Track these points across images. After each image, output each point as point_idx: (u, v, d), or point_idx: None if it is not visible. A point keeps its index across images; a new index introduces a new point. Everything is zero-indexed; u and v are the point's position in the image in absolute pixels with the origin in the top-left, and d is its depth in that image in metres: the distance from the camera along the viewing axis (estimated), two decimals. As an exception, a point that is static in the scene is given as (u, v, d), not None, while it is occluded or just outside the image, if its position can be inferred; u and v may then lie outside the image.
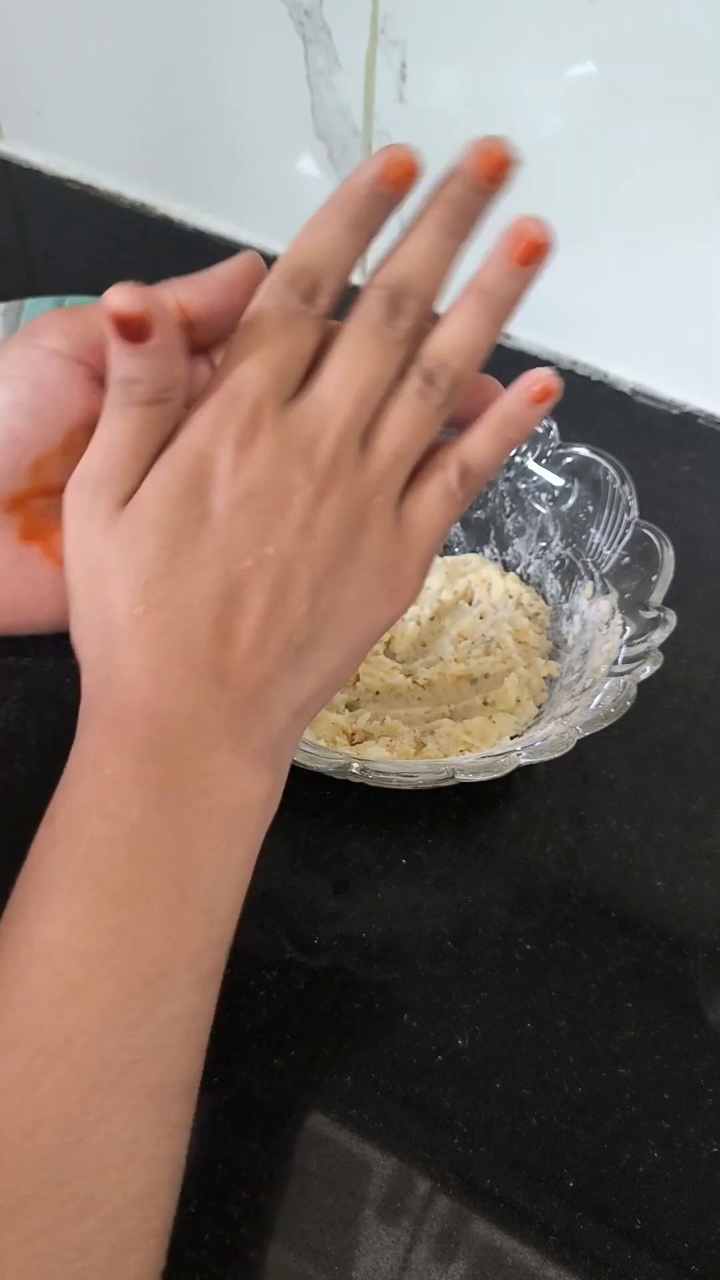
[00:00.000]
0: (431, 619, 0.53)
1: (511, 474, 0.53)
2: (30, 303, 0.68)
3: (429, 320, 0.30)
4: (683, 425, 0.67)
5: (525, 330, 0.71)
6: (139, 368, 0.27)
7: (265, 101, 0.69)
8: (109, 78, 0.75)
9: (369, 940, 0.43)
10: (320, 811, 0.47)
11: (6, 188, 0.82)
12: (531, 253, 0.31)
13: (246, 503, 0.28)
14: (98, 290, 0.78)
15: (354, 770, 0.40)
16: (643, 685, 0.42)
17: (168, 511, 0.27)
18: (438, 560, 0.56)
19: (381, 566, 0.30)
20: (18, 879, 0.28)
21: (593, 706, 0.43)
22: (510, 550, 0.55)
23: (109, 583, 0.27)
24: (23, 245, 0.78)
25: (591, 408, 0.67)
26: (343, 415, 0.28)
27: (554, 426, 0.52)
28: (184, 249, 0.77)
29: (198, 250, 0.77)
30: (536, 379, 0.31)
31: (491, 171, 0.30)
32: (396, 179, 0.29)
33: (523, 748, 0.43)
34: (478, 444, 0.31)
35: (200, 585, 0.27)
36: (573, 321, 0.69)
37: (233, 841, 0.28)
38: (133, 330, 0.27)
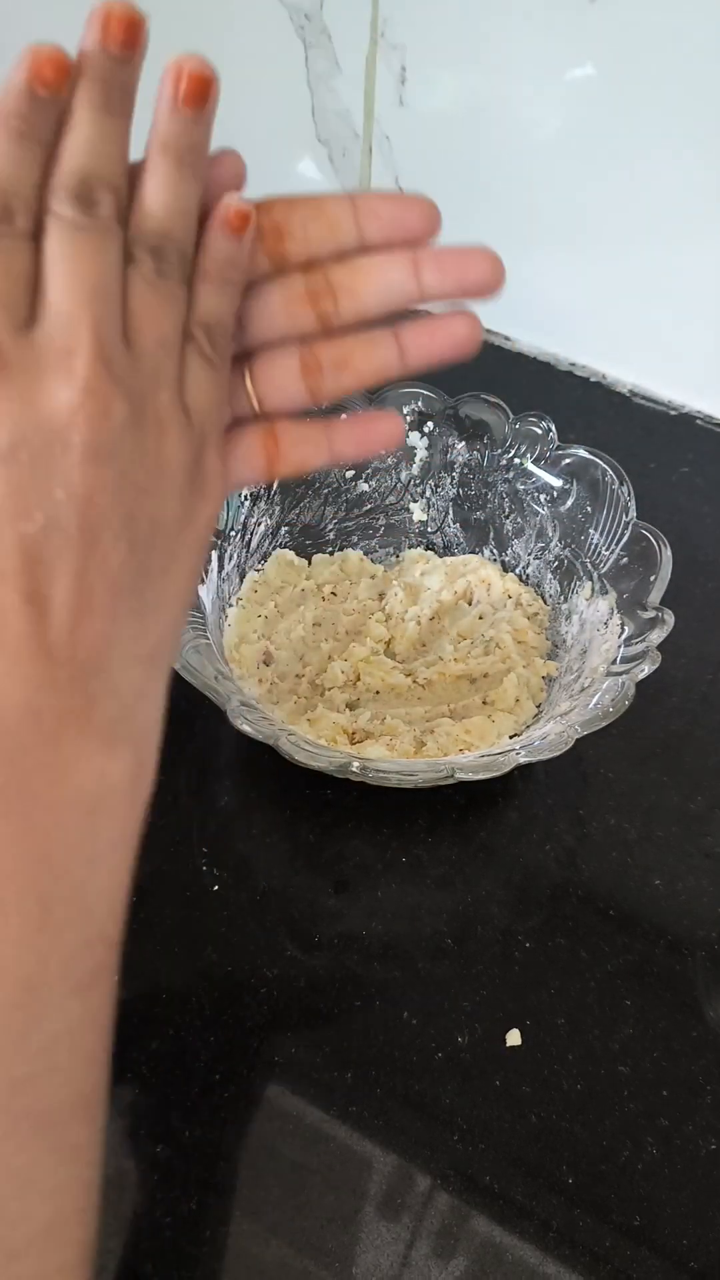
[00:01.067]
0: (431, 619, 0.53)
1: (511, 475, 0.54)
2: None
3: (125, 200, 0.27)
4: (681, 426, 0.67)
5: (524, 332, 0.71)
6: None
7: (266, 105, 0.70)
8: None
9: (369, 939, 0.44)
10: (320, 810, 0.47)
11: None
12: (195, 90, 0.28)
13: (12, 453, 0.24)
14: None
15: (354, 769, 0.41)
16: (641, 684, 0.42)
17: None
18: (437, 560, 0.56)
19: (187, 465, 0.26)
20: None
21: (591, 706, 0.43)
22: (509, 551, 0.55)
23: None
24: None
25: (590, 408, 0.67)
26: (88, 318, 0.24)
27: (552, 428, 0.52)
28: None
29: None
30: (225, 207, 0.27)
31: (121, 37, 0.27)
32: (48, 79, 0.26)
33: (521, 747, 0.43)
34: (207, 300, 0.28)
35: None
36: (571, 323, 0.69)
37: (98, 830, 0.26)
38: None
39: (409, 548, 0.57)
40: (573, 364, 0.70)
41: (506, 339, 0.72)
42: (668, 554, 0.46)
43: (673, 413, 0.67)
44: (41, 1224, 0.24)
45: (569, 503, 0.52)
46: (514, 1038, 0.41)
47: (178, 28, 0.76)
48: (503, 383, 0.68)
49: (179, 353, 0.27)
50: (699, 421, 0.67)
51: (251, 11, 0.65)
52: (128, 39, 0.27)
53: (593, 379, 0.69)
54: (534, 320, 0.70)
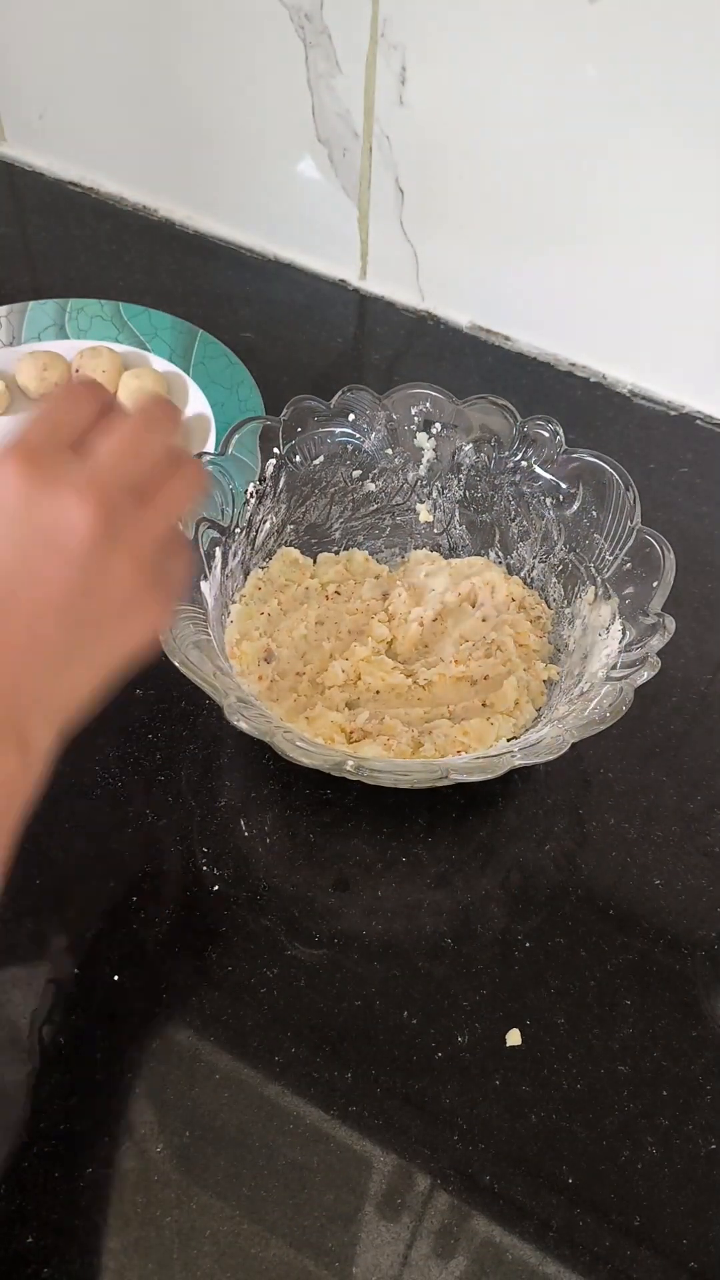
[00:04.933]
0: (434, 620, 0.53)
1: (518, 477, 0.54)
2: (33, 305, 0.69)
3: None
4: (681, 426, 0.67)
5: (525, 332, 0.71)
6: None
7: (266, 105, 0.70)
8: (111, 81, 0.75)
9: (369, 938, 0.44)
10: (321, 810, 0.47)
11: (9, 190, 0.82)
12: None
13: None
14: (99, 293, 0.79)
15: (349, 767, 0.41)
16: (641, 685, 0.42)
17: None
18: (443, 562, 0.56)
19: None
20: None
21: (589, 711, 0.43)
22: (515, 553, 0.55)
23: None
24: (25, 247, 0.79)
25: (590, 409, 0.68)
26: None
27: (560, 431, 0.52)
28: (185, 252, 0.78)
29: (199, 253, 0.78)
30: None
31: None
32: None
33: (518, 749, 0.43)
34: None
35: None
36: (572, 324, 0.69)
37: None
38: None
39: (415, 548, 0.57)
40: (573, 364, 0.70)
41: (506, 339, 0.72)
42: (671, 560, 0.46)
43: (673, 413, 0.67)
44: None
45: (574, 506, 0.52)
46: (514, 1037, 0.41)
47: (179, 28, 0.77)
48: (503, 383, 0.69)
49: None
50: (699, 422, 0.67)
51: (252, 11, 0.65)
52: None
53: (593, 379, 0.69)
54: (534, 320, 0.70)
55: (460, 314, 0.73)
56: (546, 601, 0.53)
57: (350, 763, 0.41)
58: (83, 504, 0.32)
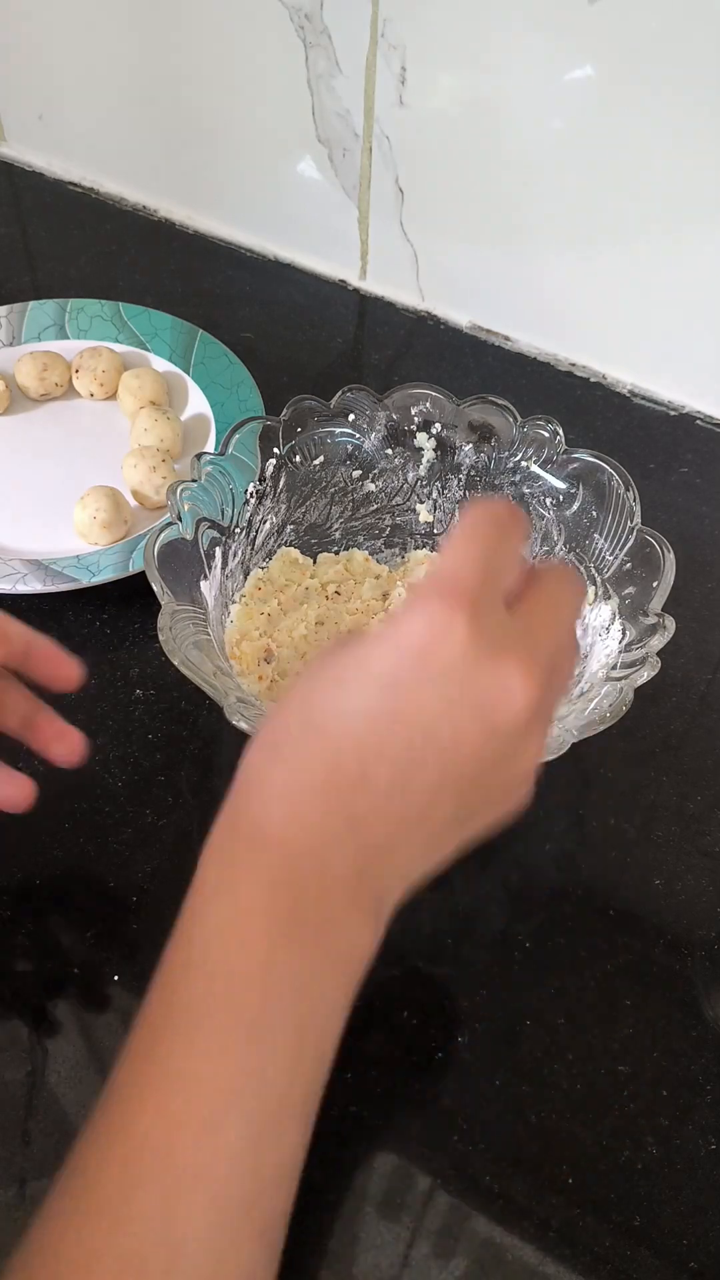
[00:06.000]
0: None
1: (518, 478, 0.54)
2: (33, 305, 0.69)
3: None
4: (681, 426, 0.67)
5: (524, 333, 0.71)
6: None
7: (266, 105, 0.70)
8: (111, 81, 0.75)
9: (369, 938, 0.44)
10: (321, 811, 0.47)
11: (9, 191, 0.82)
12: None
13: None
14: (99, 293, 0.79)
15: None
16: (641, 684, 0.42)
17: None
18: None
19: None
20: (151, 989, 0.29)
21: (588, 711, 0.43)
22: (510, 552, 0.55)
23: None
24: (25, 248, 0.79)
25: (590, 409, 0.68)
26: None
27: (560, 431, 0.52)
28: (185, 252, 0.78)
29: (199, 253, 0.78)
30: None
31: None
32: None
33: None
34: None
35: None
36: (571, 323, 0.69)
37: (341, 987, 0.29)
38: None
39: (415, 549, 0.57)
40: (572, 364, 0.70)
41: (506, 339, 0.72)
42: (671, 560, 0.46)
43: (673, 413, 0.68)
44: None
45: (574, 507, 0.52)
46: None
47: (179, 29, 0.77)
48: (503, 383, 0.69)
49: None
50: (699, 422, 0.67)
51: (251, 11, 0.65)
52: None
53: (592, 379, 0.69)
54: (533, 320, 0.70)
55: (460, 314, 0.73)
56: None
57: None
58: (527, 684, 0.29)
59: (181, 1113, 0.26)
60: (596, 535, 0.51)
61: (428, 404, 0.54)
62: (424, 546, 0.57)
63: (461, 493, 0.55)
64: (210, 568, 0.49)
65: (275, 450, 0.52)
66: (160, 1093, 0.27)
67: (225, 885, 0.29)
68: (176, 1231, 0.26)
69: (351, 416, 0.54)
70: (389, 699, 0.29)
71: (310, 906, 0.28)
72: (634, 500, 0.49)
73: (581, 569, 0.51)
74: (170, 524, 0.47)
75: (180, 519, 0.47)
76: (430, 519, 0.56)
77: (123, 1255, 0.25)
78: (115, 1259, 0.25)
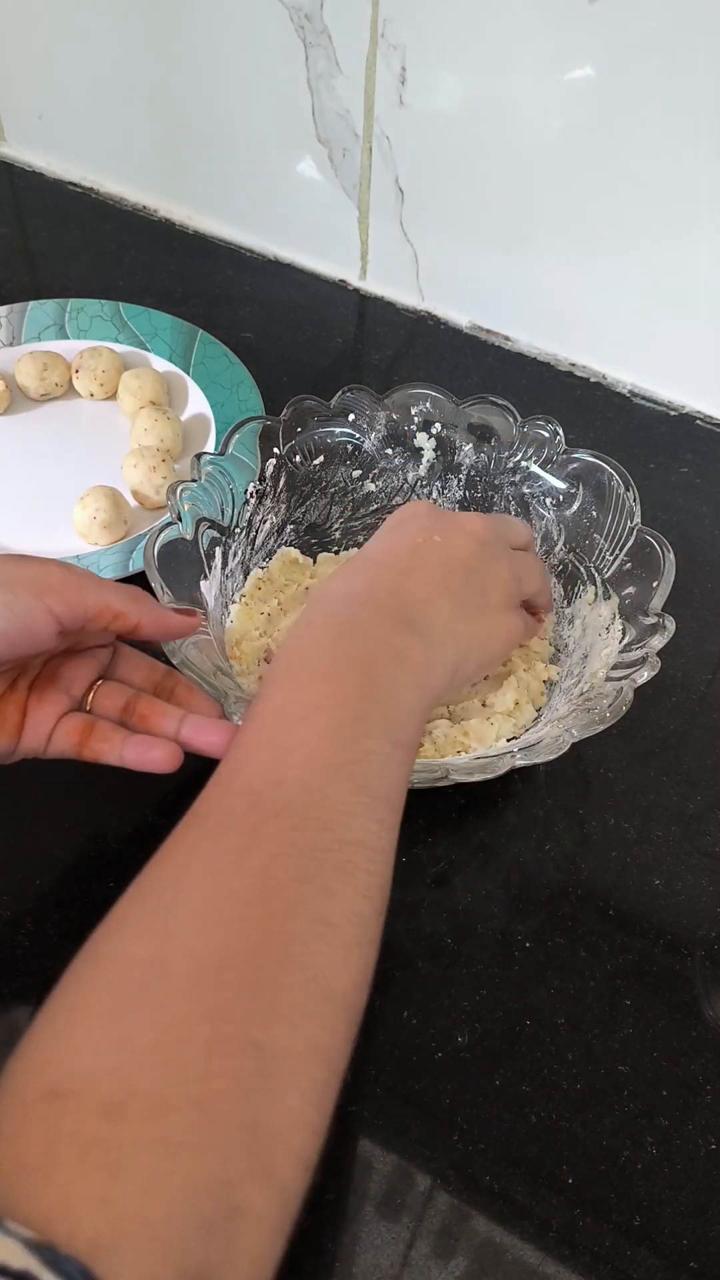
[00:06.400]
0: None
1: (518, 478, 0.54)
2: (33, 305, 0.69)
3: None
4: (681, 427, 0.67)
5: (524, 333, 0.71)
6: None
7: (266, 105, 0.70)
8: (111, 81, 0.75)
9: (369, 938, 0.44)
10: (321, 811, 0.47)
11: (9, 191, 0.82)
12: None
13: None
14: (99, 293, 0.79)
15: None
16: (641, 685, 0.42)
17: None
18: None
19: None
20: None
21: (589, 710, 0.43)
22: (511, 552, 0.55)
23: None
24: (25, 248, 0.79)
25: (590, 409, 0.68)
26: None
27: (560, 431, 0.52)
28: (185, 252, 0.78)
29: (199, 253, 0.78)
30: None
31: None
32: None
33: (518, 749, 0.43)
34: None
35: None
36: (571, 324, 0.69)
37: (402, 682, 0.36)
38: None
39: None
40: (573, 364, 0.70)
41: (506, 339, 0.72)
42: (671, 560, 0.46)
43: (673, 413, 0.68)
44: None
45: (574, 506, 0.52)
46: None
47: (179, 29, 0.77)
48: (502, 383, 0.69)
49: None
50: (699, 422, 0.67)
51: (251, 11, 0.65)
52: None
53: (593, 379, 0.69)
54: (534, 320, 0.70)
55: (460, 314, 0.73)
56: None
57: (350, 763, 0.41)
58: (480, 516, 0.45)
59: (273, 717, 0.35)
60: (596, 535, 0.51)
61: (428, 404, 0.54)
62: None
63: (462, 493, 0.55)
64: (210, 568, 0.49)
65: (275, 450, 0.52)
66: (257, 719, 0.35)
67: (293, 635, 0.39)
68: (282, 767, 0.33)
69: (351, 416, 0.54)
70: (389, 537, 0.43)
71: (366, 622, 0.38)
72: (634, 500, 0.49)
73: (582, 569, 0.51)
74: (170, 524, 0.47)
75: (180, 519, 0.47)
76: (430, 519, 0.56)
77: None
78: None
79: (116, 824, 0.47)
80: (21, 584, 0.36)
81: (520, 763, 0.41)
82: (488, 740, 0.47)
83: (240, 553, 0.52)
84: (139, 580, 0.45)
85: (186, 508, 0.48)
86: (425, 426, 0.54)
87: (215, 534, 0.49)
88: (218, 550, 0.50)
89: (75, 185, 0.82)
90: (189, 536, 0.48)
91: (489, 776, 0.41)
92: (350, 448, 0.55)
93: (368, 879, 0.32)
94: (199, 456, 0.50)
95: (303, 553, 0.55)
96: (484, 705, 0.49)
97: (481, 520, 0.44)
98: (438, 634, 0.39)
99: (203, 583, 0.48)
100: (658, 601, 0.46)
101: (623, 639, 0.46)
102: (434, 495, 0.56)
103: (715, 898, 0.45)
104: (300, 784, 0.32)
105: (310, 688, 0.35)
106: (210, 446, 0.62)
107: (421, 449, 0.55)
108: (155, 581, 0.44)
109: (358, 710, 0.35)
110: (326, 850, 0.31)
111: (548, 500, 0.53)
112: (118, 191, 0.81)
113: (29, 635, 0.36)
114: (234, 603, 0.52)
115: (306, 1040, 0.28)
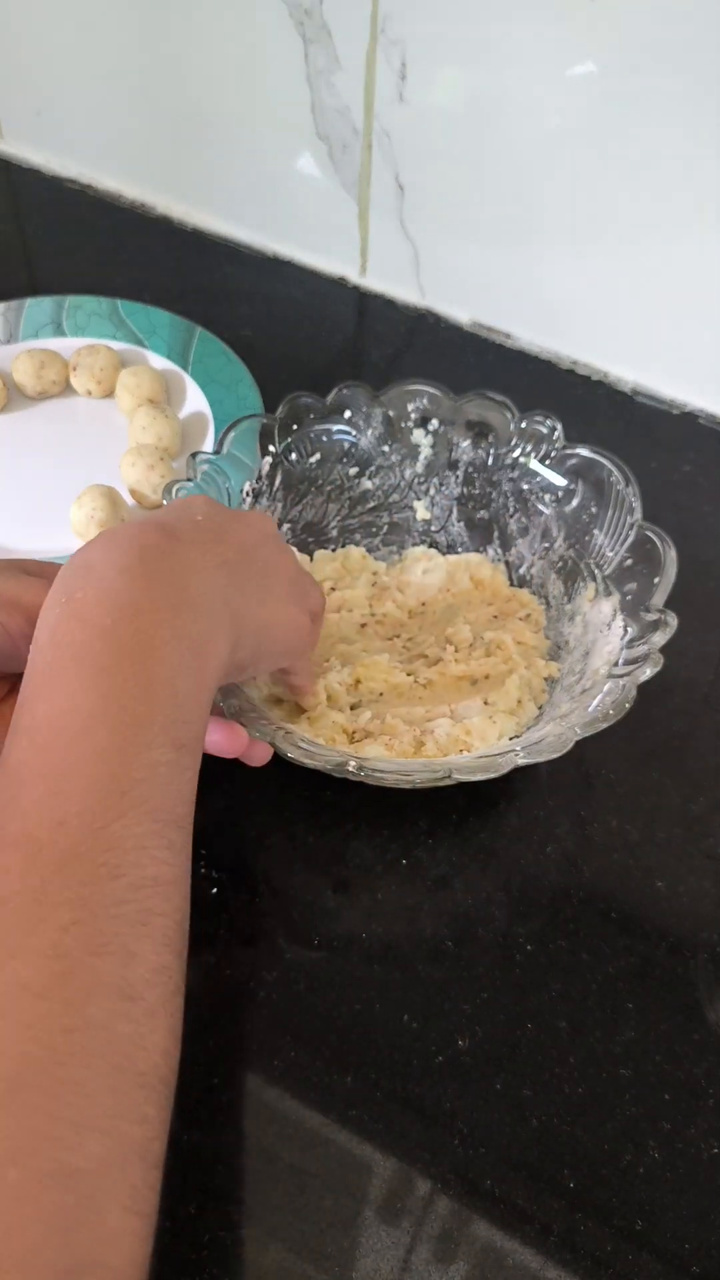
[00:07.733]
0: (423, 606, 0.53)
1: (516, 474, 0.53)
2: (30, 302, 0.69)
3: None
4: (683, 425, 0.66)
5: (526, 331, 0.71)
6: None
7: (265, 101, 0.69)
8: (109, 77, 0.75)
9: (369, 940, 0.43)
10: (320, 812, 0.47)
11: (6, 187, 0.82)
12: None
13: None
14: (97, 290, 0.78)
15: (351, 768, 0.40)
16: (643, 685, 0.42)
17: None
18: (440, 559, 0.56)
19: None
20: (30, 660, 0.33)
21: (592, 708, 0.43)
22: (513, 550, 0.54)
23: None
24: (22, 245, 0.78)
25: (592, 408, 0.67)
26: None
27: (558, 427, 0.52)
28: (183, 248, 0.77)
29: (197, 250, 0.77)
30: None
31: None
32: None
33: (521, 748, 0.43)
34: None
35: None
36: (573, 322, 0.69)
37: (178, 656, 0.33)
38: None
39: (412, 546, 0.56)
40: (574, 362, 0.70)
41: (507, 336, 0.71)
42: (672, 556, 0.46)
43: (675, 412, 0.67)
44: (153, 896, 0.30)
45: (574, 503, 0.51)
46: None
47: (177, 24, 0.76)
48: (503, 381, 0.68)
49: None
50: (701, 420, 0.67)
51: (251, 7, 0.65)
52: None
53: (594, 377, 0.69)
54: (535, 318, 0.70)
55: (461, 311, 0.72)
56: (546, 599, 0.53)
57: (353, 763, 0.40)
58: (261, 514, 0.42)
59: (50, 723, 0.31)
60: (596, 531, 0.50)
61: (425, 400, 0.54)
62: (421, 543, 0.56)
63: (459, 489, 0.55)
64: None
65: (271, 448, 0.52)
66: (36, 720, 0.31)
67: (56, 613, 0.34)
68: (61, 797, 0.29)
69: (348, 413, 0.54)
70: (161, 511, 0.39)
71: (141, 599, 0.33)
72: (634, 496, 0.49)
73: (582, 565, 0.51)
74: (168, 523, 0.47)
75: (178, 518, 0.47)
76: (428, 516, 0.56)
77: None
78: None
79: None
80: None
81: (523, 761, 0.40)
82: (490, 739, 0.47)
83: (239, 552, 0.52)
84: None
85: (184, 507, 0.48)
86: (422, 423, 0.54)
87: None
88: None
89: (73, 182, 0.82)
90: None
91: (492, 775, 0.41)
92: (347, 445, 0.54)
93: (164, 923, 0.29)
94: (194, 456, 0.49)
95: (300, 550, 0.55)
96: (486, 704, 0.49)
97: (266, 519, 0.42)
98: (214, 605, 0.36)
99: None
100: (659, 597, 0.45)
101: (624, 636, 0.46)
102: (431, 492, 0.56)
103: (718, 900, 0.45)
104: (84, 822, 0.28)
105: (85, 691, 0.31)
106: (209, 445, 0.62)
107: (419, 445, 0.55)
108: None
109: (140, 715, 0.31)
110: (121, 904, 0.28)
111: (546, 496, 0.52)
112: (115, 188, 0.81)
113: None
114: (233, 602, 0.52)
115: (121, 1144, 0.25)
